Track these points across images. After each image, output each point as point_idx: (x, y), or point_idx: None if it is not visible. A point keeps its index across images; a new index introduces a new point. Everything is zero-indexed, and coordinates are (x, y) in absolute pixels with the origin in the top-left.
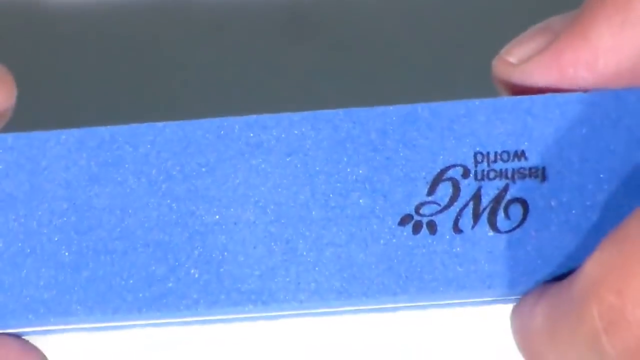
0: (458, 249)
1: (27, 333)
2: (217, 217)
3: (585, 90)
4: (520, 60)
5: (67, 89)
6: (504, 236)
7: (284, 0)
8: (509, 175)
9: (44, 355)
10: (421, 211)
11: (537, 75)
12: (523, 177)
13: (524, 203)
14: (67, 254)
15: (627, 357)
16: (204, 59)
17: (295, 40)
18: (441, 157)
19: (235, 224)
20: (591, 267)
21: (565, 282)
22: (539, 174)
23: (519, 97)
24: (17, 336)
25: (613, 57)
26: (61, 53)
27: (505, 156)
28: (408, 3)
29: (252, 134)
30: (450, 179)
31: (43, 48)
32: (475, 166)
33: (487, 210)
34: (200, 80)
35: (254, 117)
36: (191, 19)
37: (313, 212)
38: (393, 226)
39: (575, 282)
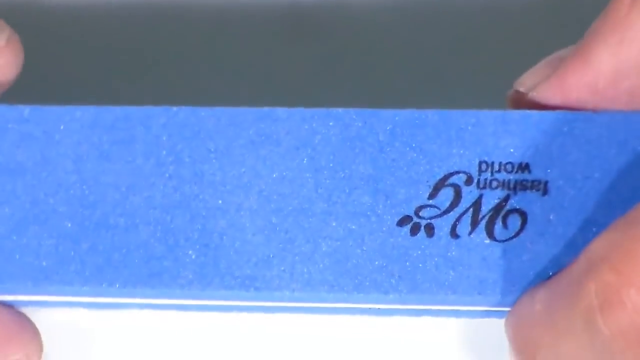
0: (453, 253)
1: (23, 303)
2: (220, 201)
3: (594, 110)
4: (528, 89)
5: (68, 90)
6: (500, 245)
7: (284, 1)
8: (511, 186)
9: (37, 329)
10: (421, 214)
11: (544, 101)
12: (525, 189)
13: (523, 214)
14: (70, 225)
15: (620, 339)
16: (203, 60)
17: (295, 41)
18: (446, 163)
19: (237, 210)
20: (596, 246)
21: (568, 266)
22: (541, 187)
23: (528, 111)
24: (12, 307)
25: (612, 77)
26: (64, 53)
27: (509, 167)
28: (409, 4)
29: (263, 125)
30: (453, 185)
31: (46, 50)
32: (479, 174)
33: (486, 218)
34: (200, 80)
35: (267, 108)
36: (191, 20)
37: (315, 206)
38: (391, 226)
39: (578, 261)
